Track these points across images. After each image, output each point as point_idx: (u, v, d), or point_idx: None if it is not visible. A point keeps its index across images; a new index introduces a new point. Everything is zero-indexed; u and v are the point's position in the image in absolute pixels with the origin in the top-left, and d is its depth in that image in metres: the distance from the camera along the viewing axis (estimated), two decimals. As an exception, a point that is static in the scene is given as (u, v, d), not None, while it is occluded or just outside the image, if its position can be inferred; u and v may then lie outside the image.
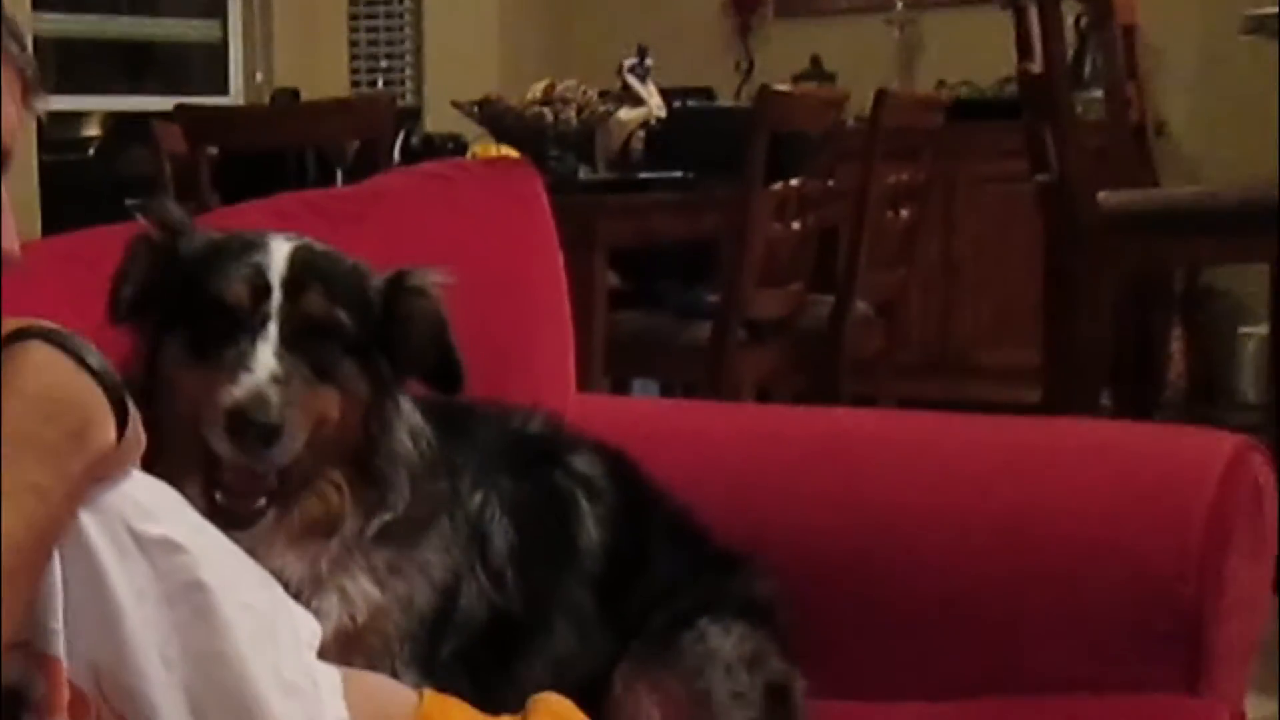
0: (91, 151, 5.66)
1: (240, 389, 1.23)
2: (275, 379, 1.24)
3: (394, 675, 1.33)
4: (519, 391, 1.72)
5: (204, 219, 1.71)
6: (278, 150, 3.84)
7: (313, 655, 1.14)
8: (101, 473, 1.03)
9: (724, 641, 1.52)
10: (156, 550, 1.04)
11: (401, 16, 6.61)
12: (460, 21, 6.55)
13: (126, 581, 1.02)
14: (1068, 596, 1.64)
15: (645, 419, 2.04)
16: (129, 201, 4.39)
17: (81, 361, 1.01)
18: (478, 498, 1.47)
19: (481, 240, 1.92)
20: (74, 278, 1.46)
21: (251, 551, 1.18)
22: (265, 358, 1.25)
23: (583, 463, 1.60)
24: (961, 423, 1.93)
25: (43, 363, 1.00)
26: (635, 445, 1.68)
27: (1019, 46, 3.55)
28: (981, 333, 5.62)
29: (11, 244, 1.12)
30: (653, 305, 4.11)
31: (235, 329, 1.28)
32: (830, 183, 4.07)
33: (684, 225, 3.95)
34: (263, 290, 1.29)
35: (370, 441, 1.35)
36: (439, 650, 1.39)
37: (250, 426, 1.22)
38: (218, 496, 1.27)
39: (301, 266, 1.32)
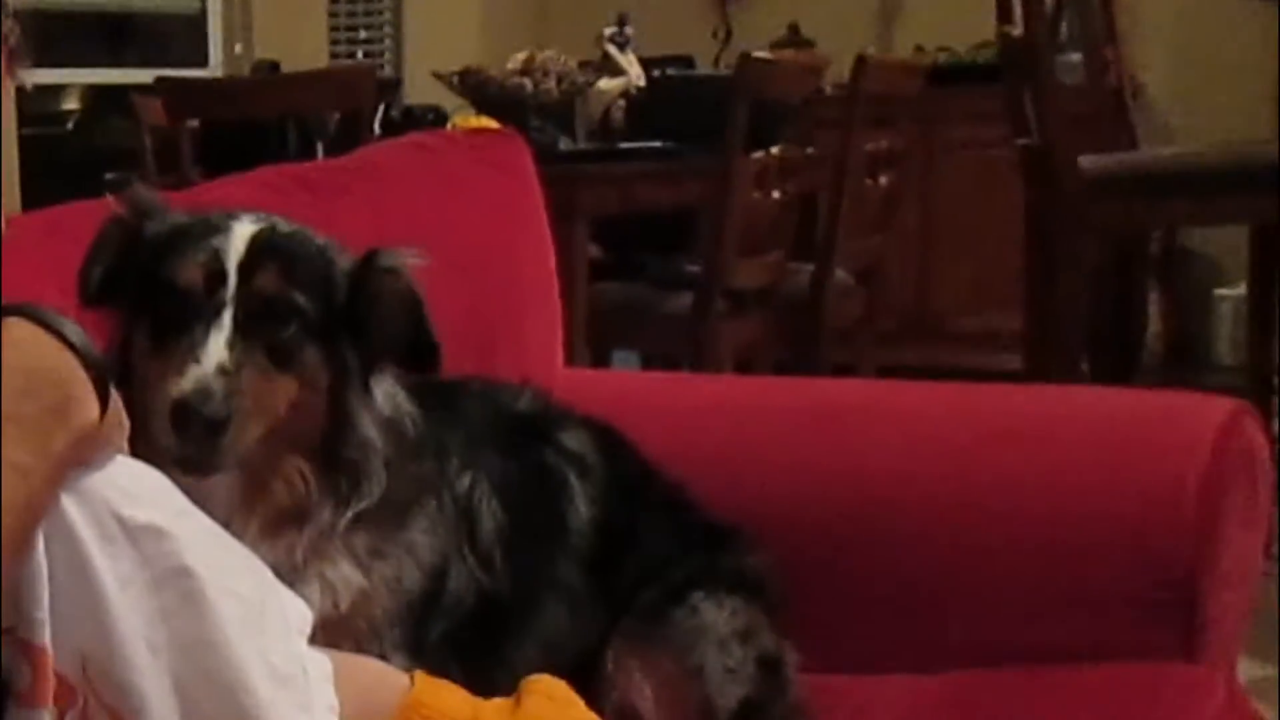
0: (71, 125, 5.64)
1: (186, 381, 1.20)
2: (223, 370, 1.21)
3: (383, 659, 1.31)
4: (507, 365, 1.71)
5: (187, 193, 1.72)
6: (259, 122, 3.83)
7: (303, 641, 1.12)
8: (85, 453, 1.00)
9: (716, 616, 1.52)
10: (142, 536, 1.02)
11: (381, -13, 6.60)
12: (438, -8, 6.54)
13: (111, 568, 1.00)
14: (1061, 566, 1.64)
15: (633, 392, 2.04)
16: (109, 176, 4.40)
17: (61, 337, 0.99)
18: (466, 478, 1.44)
19: (470, 212, 1.91)
20: (56, 252, 1.45)
21: None
22: (215, 347, 1.22)
23: (572, 439, 1.59)
24: (950, 391, 1.93)
25: (21, 339, 0.97)
26: (624, 419, 1.67)
27: (998, 9, 3.55)
28: (960, 299, 5.63)
29: None
30: (632, 275, 4.10)
31: (190, 316, 1.25)
32: (809, 150, 4.06)
33: (665, 194, 3.95)
34: (217, 275, 1.26)
35: (335, 430, 1.31)
36: (428, 633, 1.38)
37: (195, 419, 1.19)
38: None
39: (261, 249, 1.28)
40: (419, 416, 1.39)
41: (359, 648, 1.31)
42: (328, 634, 1.27)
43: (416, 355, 1.36)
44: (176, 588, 1.02)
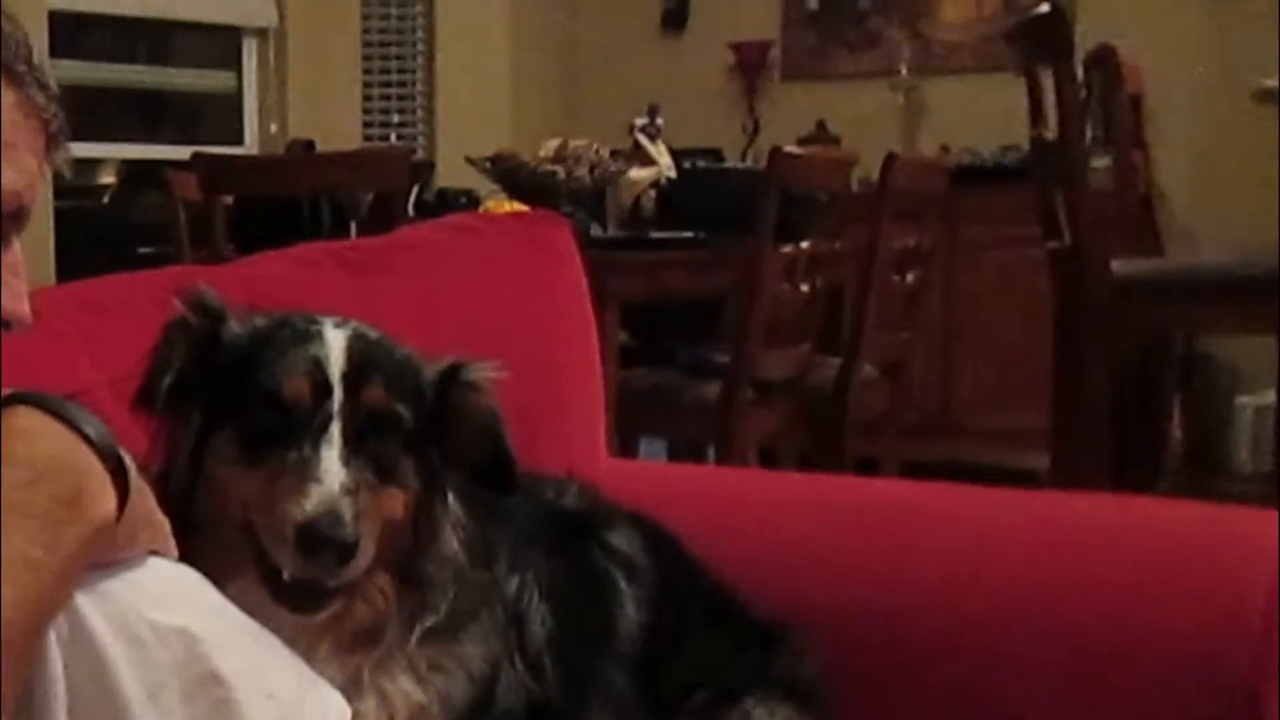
0: (106, 199, 5.68)
1: (311, 502, 1.14)
2: (346, 490, 1.15)
3: None
4: (550, 453, 1.68)
5: (225, 268, 1.70)
6: (293, 200, 3.84)
7: None
8: (102, 551, 0.95)
9: None
10: (173, 640, 0.97)
11: (414, 72, 6.64)
12: (472, 78, 6.58)
13: (137, 676, 0.95)
14: (1118, 679, 1.60)
15: (678, 486, 2.00)
16: (142, 250, 4.43)
17: (75, 428, 0.94)
18: (514, 582, 1.40)
19: (512, 294, 1.88)
20: (89, 326, 1.43)
21: None
22: (332, 464, 1.17)
23: (620, 538, 1.55)
24: (1006, 497, 1.89)
25: (32, 429, 0.93)
26: (669, 513, 1.64)
27: (1031, 112, 3.57)
28: (982, 396, 5.62)
29: (21, 306, 1.08)
30: (661, 362, 4.10)
31: (294, 428, 1.19)
32: (837, 244, 4.07)
33: (694, 283, 3.95)
34: (323, 386, 1.21)
35: (419, 544, 1.27)
36: None
37: (324, 544, 1.13)
38: (275, 598, 1.20)
39: (360, 358, 1.24)
40: (467, 516, 1.35)
41: None
42: None
43: (493, 474, 1.33)
44: (208, 696, 0.98)
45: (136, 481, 1.00)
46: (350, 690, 1.23)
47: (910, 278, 4.33)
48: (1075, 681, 1.62)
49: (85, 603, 0.95)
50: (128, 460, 1.00)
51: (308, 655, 1.19)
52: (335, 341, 1.25)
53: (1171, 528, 1.73)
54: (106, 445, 0.96)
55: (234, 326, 1.29)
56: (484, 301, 1.84)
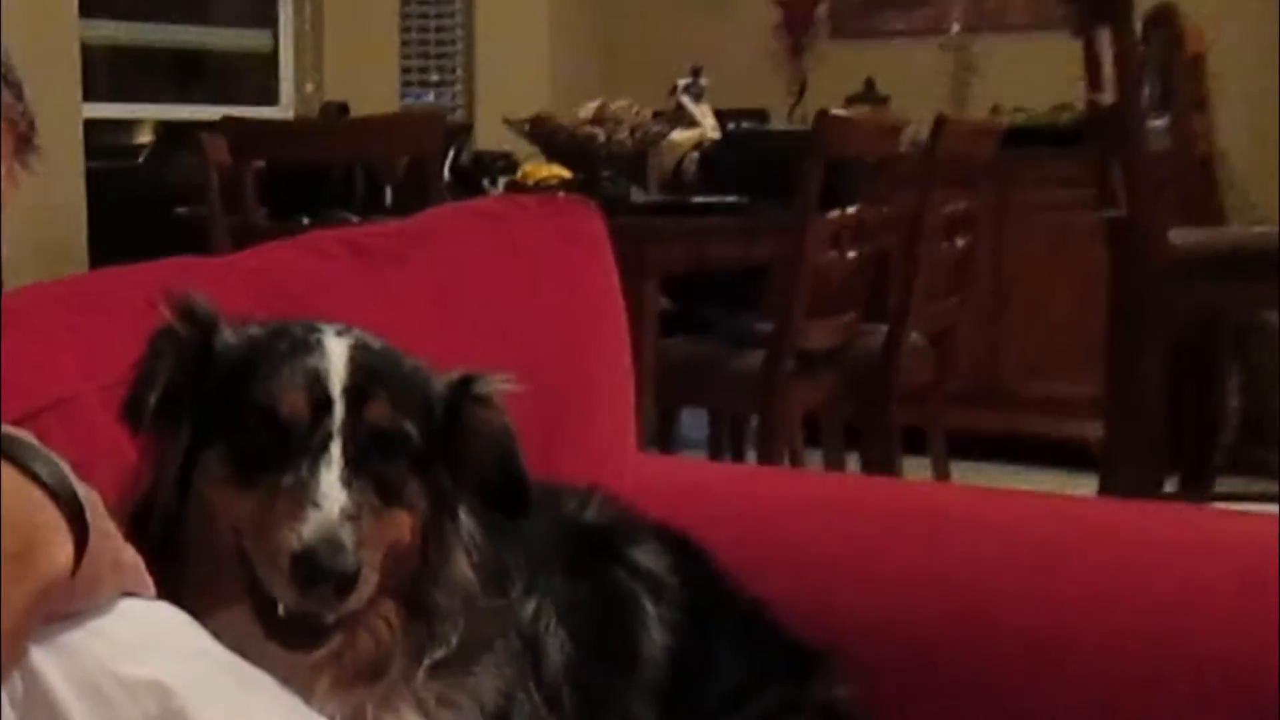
0: (141, 159, 5.62)
1: (309, 529, 1.05)
2: (347, 515, 1.07)
3: None
4: (575, 454, 1.59)
5: (225, 260, 1.61)
6: (326, 165, 3.77)
7: None
8: (60, 603, 0.87)
9: None
10: (144, 695, 0.89)
11: (453, 31, 6.55)
12: (511, 38, 6.48)
13: None
14: (1184, 703, 1.51)
15: (709, 486, 1.90)
16: (178, 210, 4.36)
17: (24, 469, 0.85)
18: (530, 606, 1.31)
19: (537, 286, 1.78)
20: (75, 325, 1.35)
21: None
22: (332, 488, 1.08)
23: (646, 555, 1.46)
24: (1060, 504, 1.79)
25: None
26: (699, 516, 1.56)
27: (1089, 76, 3.44)
28: (1032, 364, 5.52)
29: None
30: (702, 331, 4.03)
31: (290, 447, 1.10)
32: (885, 210, 3.98)
33: (737, 251, 3.88)
34: (323, 402, 1.12)
35: (429, 569, 1.19)
36: None
37: (323, 575, 1.05)
38: (269, 634, 1.11)
39: (363, 371, 1.15)
40: (480, 536, 1.25)
41: None
42: None
43: (504, 496, 1.24)
44: None
45: (100, 521, 0.91)
46: None
47: (959, 243, 4.24)
48: (1134, 703, 1.53)
49: (43, 659, 0.88)
50: (91, 496, 0.92)
51: (305, 692, 1.10)
52: (336, 352, 1.16)
53: (1223, 540, 1.63)
54: (61, 486, 0.87)
55: (227, 336, 1.19)
56: (507, 296, 1.73)
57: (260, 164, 3.71)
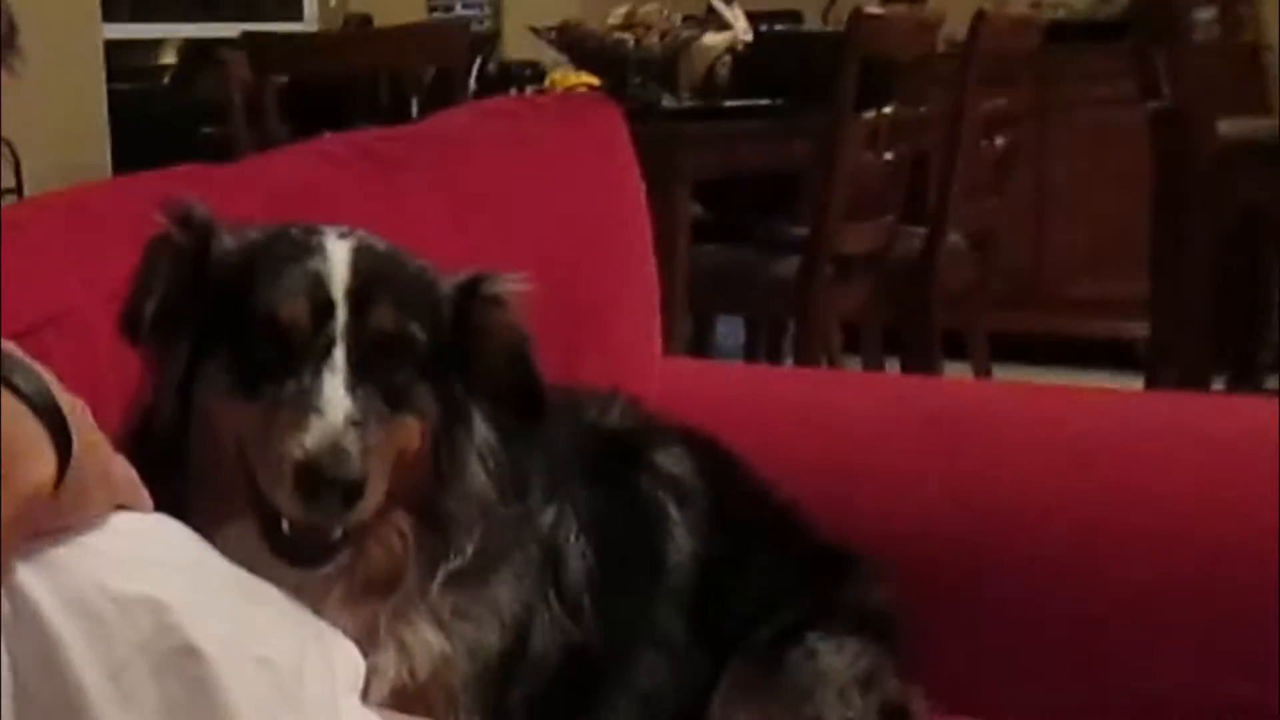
0: (167, 79, 5.58)
1: (312, 438, 1.01)
2: (351, 421, 1.03)
3: None
4: (598, 360, 1.55)
5: (237, 167, 1.55)
6: (350, 78, 3.71)
7: (353, 701, 0.98)
8: (43, 520, 0.83)
9: (836, 660, 1.37)
10: (139, 612, 0.85)
11: (478, -62, 6.46)
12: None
13: (94, 656, 0.83)
14: (1221, 609, 1.45)
15: (738, 389, 1.85)
16: (204, 130, 4.32)
17: (5, 383, 0.81)
18: (550, 514, 1.28)
19: (555, 189, 1.71)
20: (80, 239, 1.30)
21: None
22: (335, 394, 1.04)
23: (670, 459, 1.42)
24: (1098, 399, 1.73)
25: None
26: (727, 420, 1.51)
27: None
28: (1076, 264, 5.44)
29: None
30: (736, 238, 3.97)
31: (292, 355, 1.06)
32: (922, 110, 3.89)
33: (771, 156, 3.82)
34: (324, 306, 1.08)
35: (441, 478, 1.15)
36: (508, 696, 1.22)
37: (327, 485, 1.01)
38: (274, 550, 1.08)
39: (367, 273, 1.10)
40: (496, 443, 1.21)
41: (432, 715, 1.16)
42: (399, 704, 1.13)
43: (518, 399, 1.19)
44: (182, 672, 0.86)
45: (87, 433, 0.87)
46: (365, 642, 1.11)
47: (999, 142, 4.18)
48: (1174, 611, 1.49)
49: (30, 577, 0.84)
50: (77, 408, 0.88)
51: (315, 606, 1.07)
52: (338, 255, 1.11)
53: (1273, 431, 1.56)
54: (42, 398, 0.83)
55: (225, 241, 1.15)
56: (524, 199, 1.67)
57: (283, 80, 3.65)
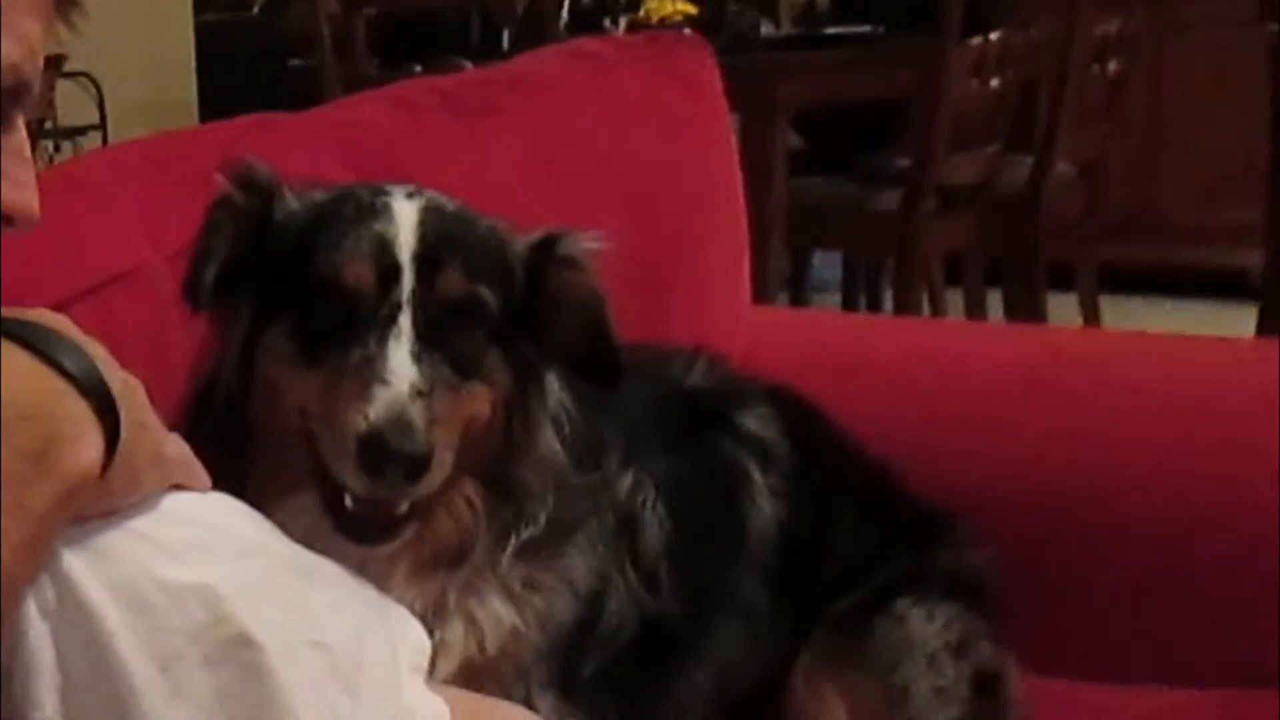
0: (256, 10, 5.54)
1: (376, 408, 0.97)
2: (417, 392, 0.99)
3: (528, 701, 1.12)
4: (685, 311, 1.50)
5: (312, 115, 1.49)
6: (441, 11, 3.65)
7: (417, 682, 0.93)
8: (89, 504, 0.80)
9: (926, 627, 1.32)
10: (191, 601, 0.81)
11: None
12: None
13: (144, 647, 0.80)
14: None
15: (828, 338, 1.78)
16: (292, 62, 4.28)
17: (48, 360, 0.78)
18: (627, 480, 1.23)
19: (642, 133, 1.65)
20: (147, 192, 1.26)
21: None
22: (402, 363, 1.00)
23: (753, 420, 1.36)
24: (1213, 348, 1.65)
25: None
26: (817, 372, 1.46)
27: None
28: (1190, 192, 5.30)
29: (25, 198, 0.89)
30: (836, 170, 3.90)
31: (357, 321, 1.02)
32: (1031, 34, 3.77)
33: (872, 85, 3.75)
34: (391, 270, 1.03)
35: (513, 445, 1.10)
36: (581, 668, 1.18)
37: (391, 458, 0.97)
38: (337, 527, 1.04)
39: (435, 236, 1.05)
40: (571, 407, 1.17)
41: (503, 690, 1.11)
42: (468, 677, 1.09)
43: (593, 364, 1.14)
44: (235, 661, 0.82)
45: (138, 413, 0.83)
46: (433, 616, 1.08)
47: (1111, 67, 4.06)
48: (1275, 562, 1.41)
49: (77, 564, 0.80)
50: (130, 386, 0.84)
51: (381, 580, 1.03)
52: (405, 216, 1.06)
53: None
54: (89, 377, 0.79)
55: (289, 203, 1.10)
56: (608, 144, 1.61)
57: (372, 12, 3.61)
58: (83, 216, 1.22)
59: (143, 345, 1.13)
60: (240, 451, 1.06)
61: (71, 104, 4.69)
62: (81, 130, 4.72)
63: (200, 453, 0.92)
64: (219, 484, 0.92)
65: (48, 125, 4.62)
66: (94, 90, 4.73)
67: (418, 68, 3.38)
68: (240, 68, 4.57)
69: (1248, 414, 1.50)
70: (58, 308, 1.05)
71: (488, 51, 3.69)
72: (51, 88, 4.55)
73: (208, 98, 4.66)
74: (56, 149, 4.63)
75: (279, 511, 1.00)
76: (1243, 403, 1.52)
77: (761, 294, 3.43)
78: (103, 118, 4.75)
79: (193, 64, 4.70)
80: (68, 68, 4.58)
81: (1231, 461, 1.48)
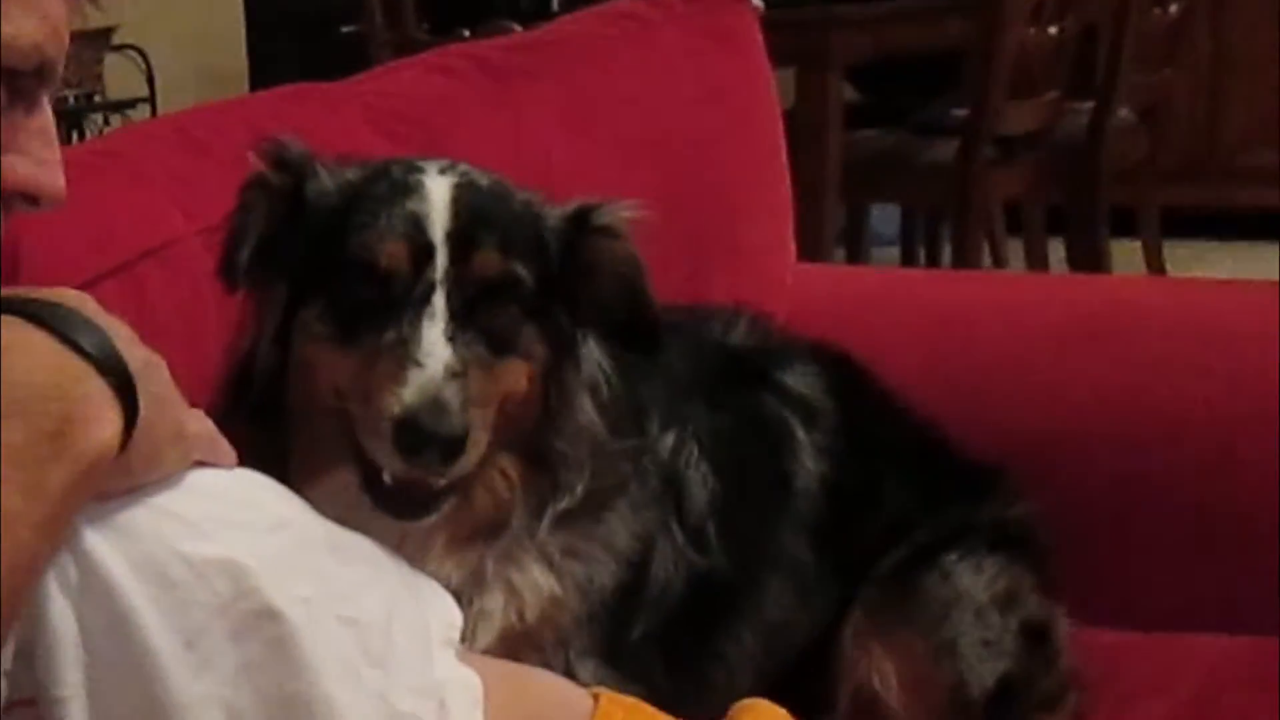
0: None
1: (410, 391, 0.98)
2: (452, 373, 0.99)
3: (569, 669, 1.12)
4: (728, 271, 1.49)
5: (350, 85, 1.48)
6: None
7: (448, 655, 0.93)
8: (110, 483, 0.80)
9: (974, 580, 1.31)
10: (216, 576, 0.82)
11: None
12: None
13: (169, 623, 0.80)
14: None
15: (875, 294, 1.76)
16: (344, 29, 4.27)
17: (65, 339, 0.78)
18: (669, 439, 1.22)
19: (685, 97, 1.63)
20: (184, 167, 1.25)
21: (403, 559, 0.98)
22: (436, 344, 1.00)
23: (797, 378, 1.36)
24: (1259, 293, 1.61)
25: (10, 344, 0.76)
26: (863, 329, 1.45)
27: None
28: (1255, 133, 5.20)
29: (52, 179, 0.90)
30: (892, 121, 3.85)
31: (392, 301, 1.02)
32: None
33: (928, 34, 3.68)
34: (424, 250, 1.03)
35: (549, 417, 1.10)
36: (628, 632, 1.18)
37: (426, 440, 0.97)
38: (376, 503, 1.05)
39: (469, 213, 1.05)
40: (612, 370, 1.16)
41: (543, 658, 1.12)
42: (508, 647, 1.09)
43: (632, 332, 1.14)
44: (261, 635, 0.83)
45: (159, 389, 0.84)
46: (472, 585, 1.09)
47: (1173, 9, 3.99)
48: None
49: (99, 542, 0.81)
50: (150, 363, 0.84)
51: (420, 553, 1.05)
52: (438, 194, 1.06)
53: None
54: (106, 355, 0.79)
55: (322, 181, 1.10)
56: (649, 107, 1.60)
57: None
58: (115, 191, 1.22)
59: (176, 320, 1.14)
60: (279, 430, 1.07)
61: (120, 77, 4.69)
62: (130, 103, 4.70)
63: (239, 431, 0.93)
64: (258, 462, 0.93)
65: (96, 99, 4.62)
66: (142, 63, 4.72)
67: (466, 32, 3.36)
68: (292, 35, 4.56)
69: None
70: (89, 284, 1.07)
71: (537, 13, 3.66)
72: (99, 61, 4.56)
73: (258, 66, 4.64)
74: (106, 122, 4.62)
75: (318, 488, 1.03)
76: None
77: (817, 249, 3.42)
78: (152, 90, 4.74)
79: (243, 32, 4.68)
80: (115, 40, 4.58)
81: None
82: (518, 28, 3.41)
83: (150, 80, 4.76)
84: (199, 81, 3.77)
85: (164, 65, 4.66)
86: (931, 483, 1.39)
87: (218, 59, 4.39)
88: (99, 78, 4.64)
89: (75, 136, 4.24)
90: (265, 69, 4.55)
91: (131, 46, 4.69)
